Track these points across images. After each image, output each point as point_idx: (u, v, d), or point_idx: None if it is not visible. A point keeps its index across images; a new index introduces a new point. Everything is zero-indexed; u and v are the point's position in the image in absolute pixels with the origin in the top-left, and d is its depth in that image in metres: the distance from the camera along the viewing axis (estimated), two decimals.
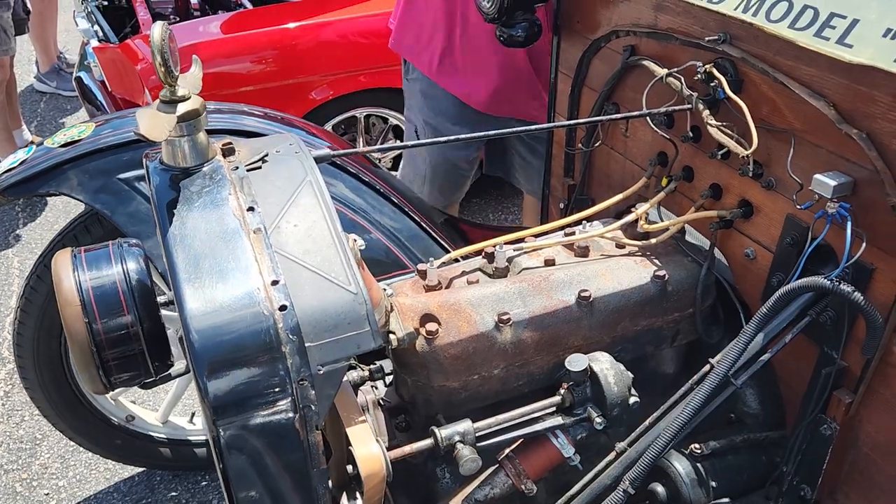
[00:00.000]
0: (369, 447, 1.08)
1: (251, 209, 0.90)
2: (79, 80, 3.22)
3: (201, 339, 0.79)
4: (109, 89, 2.91)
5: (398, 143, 3.19)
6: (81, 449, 2.32)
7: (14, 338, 1.89)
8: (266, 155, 0.98)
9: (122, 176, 1.64)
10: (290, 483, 0.87)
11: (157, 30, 0.86)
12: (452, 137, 1.31)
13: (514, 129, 1.44)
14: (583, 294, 1.24)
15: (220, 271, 0.84)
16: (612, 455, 1.17)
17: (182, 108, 0.90)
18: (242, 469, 0.83)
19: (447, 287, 1.30)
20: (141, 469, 2.26)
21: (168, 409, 2.16)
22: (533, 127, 1.41)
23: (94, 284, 1.36)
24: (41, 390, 1.94)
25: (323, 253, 0.89)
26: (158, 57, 0.86)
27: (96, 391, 1.39)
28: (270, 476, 0.85)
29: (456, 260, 1.38)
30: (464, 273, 1.32)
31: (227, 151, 0.98)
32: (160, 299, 1.47)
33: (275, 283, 0.84)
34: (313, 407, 0.83)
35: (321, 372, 0.83)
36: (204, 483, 2.23)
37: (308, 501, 0.89)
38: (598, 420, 1.18)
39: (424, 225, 1.79)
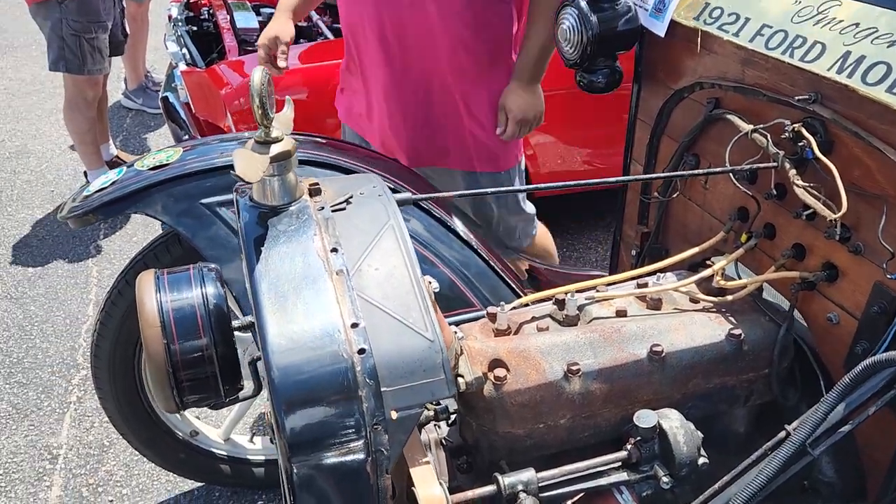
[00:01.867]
0: (432, 489, 1.07)
1: (335, 250, 0.93)
2: (165, 99, 3.36)
3: (282, 376, 0.81)
4: (193, 111, 3.03)
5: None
6: (145, 459, 2.38)
7: (92, 349, 1.96)
8: (350, 196, 1.01)
9: (204, 201, 1.70)
10: None
11: (257, 74, 0.90)
12: (531, 187, 1.32)
13: (590, 181, 1.44)
14: (655, 349, 1.22)
15: (303, 310, 0.86)
16: None
17: (275, 149, 0.93)
18: None
19: (516, 332, 1.30)
20: (201, 483, 2.31)
21: (230, 427, 2.20)
22: (612, 179, 1.41)
23: (175, 307, 1.41)
24: (113, 400, 2.01)
25: (402, 298, 0.90)
26: (257, 100, 0.90)
27: (169, 410, 1.44)
28: None
29: (524, 304, 1.38)
30: (534, 318, 1.32)
31: (314, 191, 1.01)
32: (234, 324, 1.52)
33: (354, 325, 0.86)
34: (385, 451, 0.84)
35: (395, 417, 0.84)
36: (260, 502, 2.26)
37: None
38: (665, 479, 1.15)
39: (493, 263, 1.79)
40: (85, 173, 3.85)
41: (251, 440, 2.26)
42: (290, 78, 2.88)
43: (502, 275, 1.77)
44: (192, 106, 3.02)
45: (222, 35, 3.27)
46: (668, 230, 1.60)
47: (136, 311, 1.92)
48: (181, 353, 1.40)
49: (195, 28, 3.51)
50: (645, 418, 1.16)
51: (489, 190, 1.35)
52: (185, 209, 1.69)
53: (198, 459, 2.17)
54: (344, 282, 0.89)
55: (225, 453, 2.20)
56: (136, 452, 2.39)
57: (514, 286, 1.76)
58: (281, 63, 2.06)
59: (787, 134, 1.17)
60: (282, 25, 2.08)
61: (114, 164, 3.84)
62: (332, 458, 0.82)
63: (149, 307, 1.40)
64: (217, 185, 1.71)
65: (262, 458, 2.24)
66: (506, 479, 1.12)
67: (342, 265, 0.91)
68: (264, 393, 1.66)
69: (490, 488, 1.13)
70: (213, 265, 1.58)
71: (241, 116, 2.69)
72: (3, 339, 2.93)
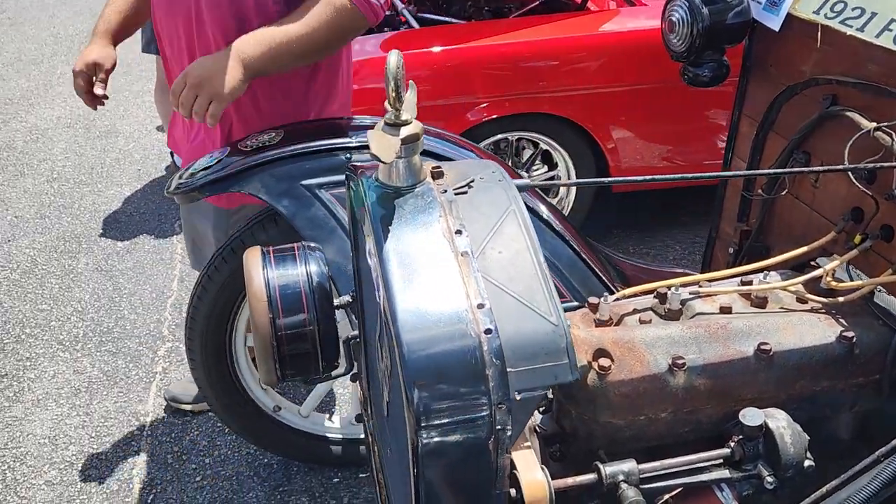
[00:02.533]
0: (534, 473, 1.09)
1: (459, 232, 0.94)
2: None
3: (411, 351, 0.83)
4: None
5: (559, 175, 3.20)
6: (226, 431, 2.47)
7: (187, 321, 2.04)
8: (472, 180, 1.02)
9: (304, 182, 1.74)
10: (474, 501, 0.90)
11: (393, 57, 0.92)
12: (639, 178, 1.31)
13: (703, 175, 1.42)
14: (763, 347, 1.20)
15: (430, 289, 0.88)
16: None
17: (405, 131, 0.95)
18: (434, 480, 0.86)
19: (617, 323, 1.30)
20: (279, 458, 2.37)
21: (312, 404, 2.26)
22: (726, 173, 1.39)
23: (281, 283, 1.46)
24: (203, 371, 2.09)
25: (526, 282, 0.91)
26: (392, 83, 0.92)
27: (269, 383, 1.49)
28: (458, 490, 0.88)
29: (625, 296, 1.37)
30: (635, 311, 1.32)
31: (436, 174, 1.03)
32: (335, 302, 1.55)
33: (480, 306, 0.87)
34: (507, 431, 0.85)
35: (518, 398, 0.85)
36: (336, 479, 2.31)
37: None
38: (770, 479, 1.14)
39: (584, 255, 1.79)
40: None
41: (330, 419, 2.32)
42: (374, 65, 2.92)
43: (593, 267, 1.77)
44: None
45: None
46: (771, 229, 1.57)
47: (231, 287, 1.99)
48: (285, 328, 1.44)
49: None
50: (751, 416, 1.14)
51: (605, 179, 1.33)
52: (285, 190, 1.74)
53: (279, 433, 2.23)
54: (469, 263, 0.91)
55: (305, 430, 2.26)
56: (218, 424, 2.49)
57: (604, 279, 1.75)
58: (98, 91, 1.91)
59: None
60: (102, 49, 1.93)
61: None
62: (457, 434, 0.84)
63: (257, 282, 1.45)
64: (316, 168, 1.76)
65: (340, 436, 2.29)
66: (607, 469, 1.12)
67: (467, 247, 0.93)
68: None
69: (590, 476, 1.13)
70: (314, 244, 1.63)
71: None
72: (94, 308, 3.07)
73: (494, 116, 3.01)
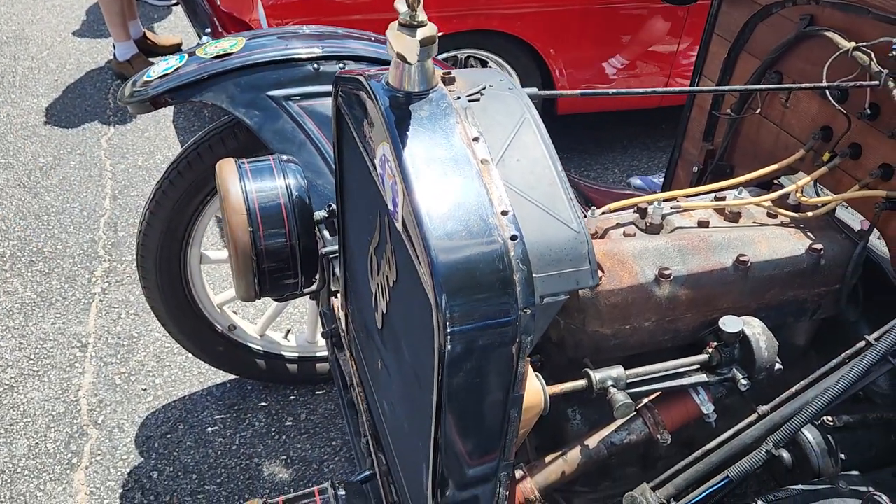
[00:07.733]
0: (532, 382, 1.12)
1: (476, 139, 0.93)
2: None
3: (440, 257, 0.83)
4: (219, 3, 2.93)
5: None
6: (175, 351, 2.42)
7: (139, 238, 1.96)
8: (483, 88, 1.01)
9: (271, 93, 1.67)
10: (492, 403, 0.92)
11: None
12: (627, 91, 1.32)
13: (672, 89, 1.44)
14: (741, 258, 1.26)
15: (454, 195, 0.87)
16: (753, 417, 1.21)
17: (421, 33, 0.92)
18: (457, 384, 0.88)
19: (602, 237, 1.33)
20: (234, 377, 2.35)
21: (267, 323, 2.23)
22: (690, 88, 1.41)
23: (260, 196, 1.41)
24: (158, 291, 2.02)
25: (545, 189, 0.92)
26: None
27: (247, 298, 1.46)
28: (479, 394, 0.90)
29: (610, 210, 1.40)
30: (619, 224, 1.35)
31: (448, 80, 1.00)
32: (315, 216, 1.52)
33: (505, 212, 0.87)
34: (531, 335, 0.87)
35: (542, 303, 0.87)
36: (292, 397, 2.32)
37: (501, 423, 0.95)
38: (744, 382, 1.22)
39: None
40: (113, 45, 3.78)
41: (286, 337, 2.30)
42: None
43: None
44: None
45: None
46: (736, 148, 1.62)
47: (186, 202, 1.91)
48: (266, 242, 1.41)
49: None
50: (731, 323, 1.21)
51: (607, 91, 1.33)
52: (251, 100, 1.66)
53: (234, 353, 2.21)
54: (490, 170, 0.90)
55: (261, 348, 2.24)
56: (166, 345, 2.44)
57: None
58: None
59: (894, 52, 1.18)
60: None
61: (143, 43, 3.82)
62: (484, 339, 0.85)
63: (234, 195, 1.40)
64: (283, 78, 1.68)
65: (296, 354, 2.28)
66: (596, 375, 1.17)
67: (486, 154, 0.92)
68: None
69: (581, 383, 1.18)
70: (287, 157, 1.57)
71: (273, 10, 2.60)
72: (20, 227, 2.89)
73: (442, 34, 2.94)
